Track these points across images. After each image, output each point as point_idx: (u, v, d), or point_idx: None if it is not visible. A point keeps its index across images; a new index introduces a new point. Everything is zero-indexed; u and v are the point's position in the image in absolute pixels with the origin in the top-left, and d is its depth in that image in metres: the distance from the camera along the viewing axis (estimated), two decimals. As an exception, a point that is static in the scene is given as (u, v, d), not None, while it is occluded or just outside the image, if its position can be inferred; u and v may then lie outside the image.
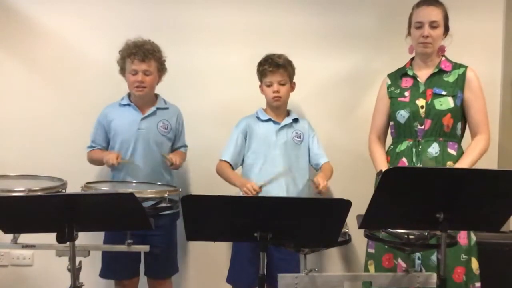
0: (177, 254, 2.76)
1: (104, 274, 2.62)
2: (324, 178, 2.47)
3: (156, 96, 2.72)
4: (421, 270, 2.32)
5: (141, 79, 2.55)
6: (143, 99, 2.65)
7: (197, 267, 3.07)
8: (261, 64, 2.60)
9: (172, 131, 2.68)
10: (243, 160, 2.65)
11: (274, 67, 2.54)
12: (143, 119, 2.62)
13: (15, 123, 2.99)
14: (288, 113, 2.69)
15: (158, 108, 2.66)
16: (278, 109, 2.64)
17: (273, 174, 2.51)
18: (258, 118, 2.66)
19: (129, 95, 2.68)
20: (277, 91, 2.56)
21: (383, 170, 2.39)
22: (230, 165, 2.60)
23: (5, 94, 3.00)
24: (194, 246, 3.04)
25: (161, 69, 2.65)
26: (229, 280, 2.62)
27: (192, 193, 2.19)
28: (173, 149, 2.73)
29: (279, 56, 2.58)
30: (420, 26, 2.43)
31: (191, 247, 3.06)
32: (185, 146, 2.80)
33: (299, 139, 2.64)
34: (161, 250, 2.55)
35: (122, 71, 2.63)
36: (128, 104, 2.65)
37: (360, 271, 2.79)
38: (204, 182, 2.97)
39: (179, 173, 2.83)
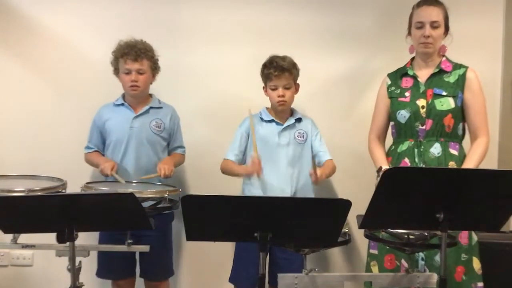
0: (173, 256, 2.76)
1: (100, 273, 2.62)
2: (322, 170, 2.47)
3: (151, 95, 2.73)
4: (425, 271, 2.31)
5: (135, 78, 2.57)
6: (137, 99, 2.66)
7: (194, 268, 3.07)
8: (265, 66, 2.58)
9: (165, 130, 2.68)
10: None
11: (279, 71, 2.52)
12: (135, 117, 2.64)
13: (15, 123, 2.99)
14: (291, 113, 2.68)
15: (151, 107, 2.67)
16: (282, 111, 2.64)
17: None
18: (261, 118, 2.65)
19: (123, 95, 2.70)
20: (282, 95, 2.55)
21: (383, 166, 2.41)
22: (234, 162, 2.60)
23: (5, 94, 3.00)
24: (190, 247, 3.04)
25: (154, 68, 2.66)
26: (231, 280, 2.63)
27: (192, 193, 2.19)
28: (169, 150, 2.73)
29: (284, 58, 2.55)
30: (421, 26, 2.43)
31: (188, 248, 3.05)
32: (182, 147, 2.78)
33: (302, 139, 2.63)
34: (154, 251, 2.56)
35: (116, 71, 2.65)
36: (122, 104, 2.67)
37: (361, 271, 2.78)
38: (203, 181, 2.97)
39: (178, 172, 2.81)
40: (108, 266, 2.59)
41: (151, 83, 2.69)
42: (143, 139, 2.62)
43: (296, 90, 2.63)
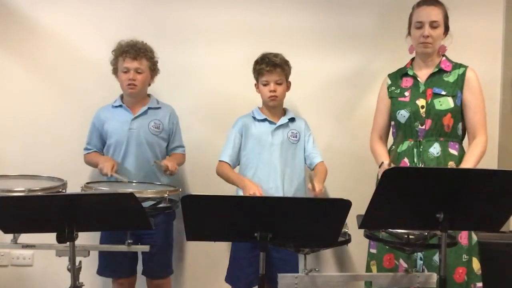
0: (173, 255, 2.76)
1: (101, 271, 2.63)
2: (320, 182, 2.46)
3: (149, 96, 2.73)
4: (423, 271, 2.32)
5: (133, 77, 2.57)
6: (135, 99, 2.66)
7: (194, 267, 3.07)
8: (257, 63, 2.60)
9: (164, 131, 2.68)
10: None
11: (271, 67, 2.54)
12: (134, 119, 2.64)
13: (15, 123, 2.99)
14: (284, 112, 2.68)
15: (149, 108, 2.67)
16: (274, 108, 2.64)
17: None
18: (254, 117, 2.65)
19: (121, 97, 2.70)
20: (274, 90, 2.56)
21: (384, 162, 2.41)
22: (229, 165, 2.60)
23: (5, 94, 3.00)
24: (192, 245, 3.04)
25: (153, 69, 2.67)
26: (227, 279, 2.62)
27: (191, 193, 2.19)
28: (168, 150, 2.73)
29: (276, 55, 2.58)
30: (420, 26, 2.43)
31: (190, 247, 3.05)
32: (182, 146, 2.78)
33: (295, 139, 2.64)
34: (157, 249, 2.56)
35: (115, 70, 2.65)
36: (120, 106, 2.67)
37: (360, 271, 2.79)
38: (201, 181, 2.97)
39: (177, 172, 2.80)
40: (109, 264, 2.59)
41: (149, 85, 2.69)
42: (142, 140, 2.62)
43: (288, 87, 2.64)
